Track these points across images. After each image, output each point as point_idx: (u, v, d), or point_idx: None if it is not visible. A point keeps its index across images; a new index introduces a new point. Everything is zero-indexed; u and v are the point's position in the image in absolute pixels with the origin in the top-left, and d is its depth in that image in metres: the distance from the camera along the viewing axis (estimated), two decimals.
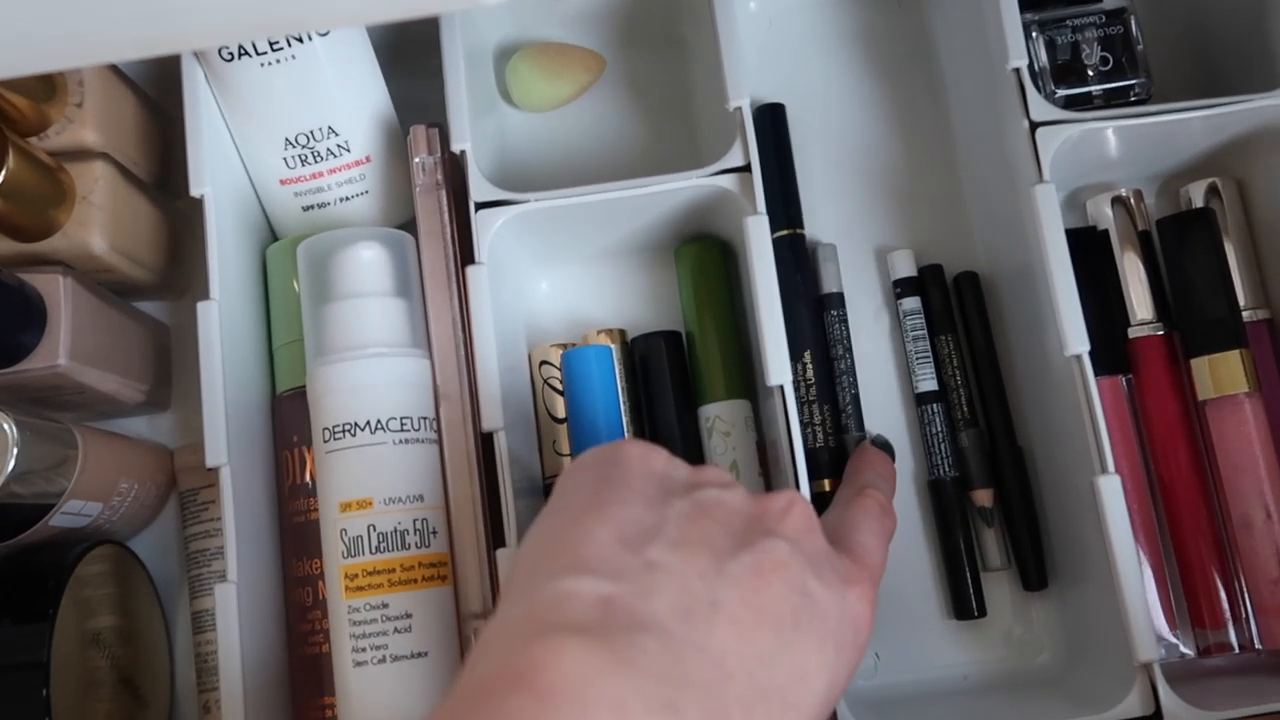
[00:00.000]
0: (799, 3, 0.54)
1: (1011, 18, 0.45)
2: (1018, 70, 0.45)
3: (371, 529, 0.41)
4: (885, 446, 0.46)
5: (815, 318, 0.49)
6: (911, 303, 0.50)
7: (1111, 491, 0.41)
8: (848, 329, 0.49)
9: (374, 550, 0.41)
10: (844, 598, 0.33)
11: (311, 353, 0.44)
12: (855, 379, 0.49)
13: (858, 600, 0.34)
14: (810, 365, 0.48)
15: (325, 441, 0.42)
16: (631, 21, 0.53)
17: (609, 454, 0.34)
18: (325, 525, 0.42)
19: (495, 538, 0.43)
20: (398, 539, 0.41)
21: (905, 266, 0.50)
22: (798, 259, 0.49)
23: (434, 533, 0.42)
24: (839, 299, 0.50)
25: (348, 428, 0.42)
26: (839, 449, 0.48)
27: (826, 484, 0.47)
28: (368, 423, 0.42)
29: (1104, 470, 0.41)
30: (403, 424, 0.42)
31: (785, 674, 0.30)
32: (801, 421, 0.48)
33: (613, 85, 0.53)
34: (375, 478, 0.42)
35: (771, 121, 0.51)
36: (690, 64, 0.53)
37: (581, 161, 0.52)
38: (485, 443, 0.44)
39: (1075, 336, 0.42)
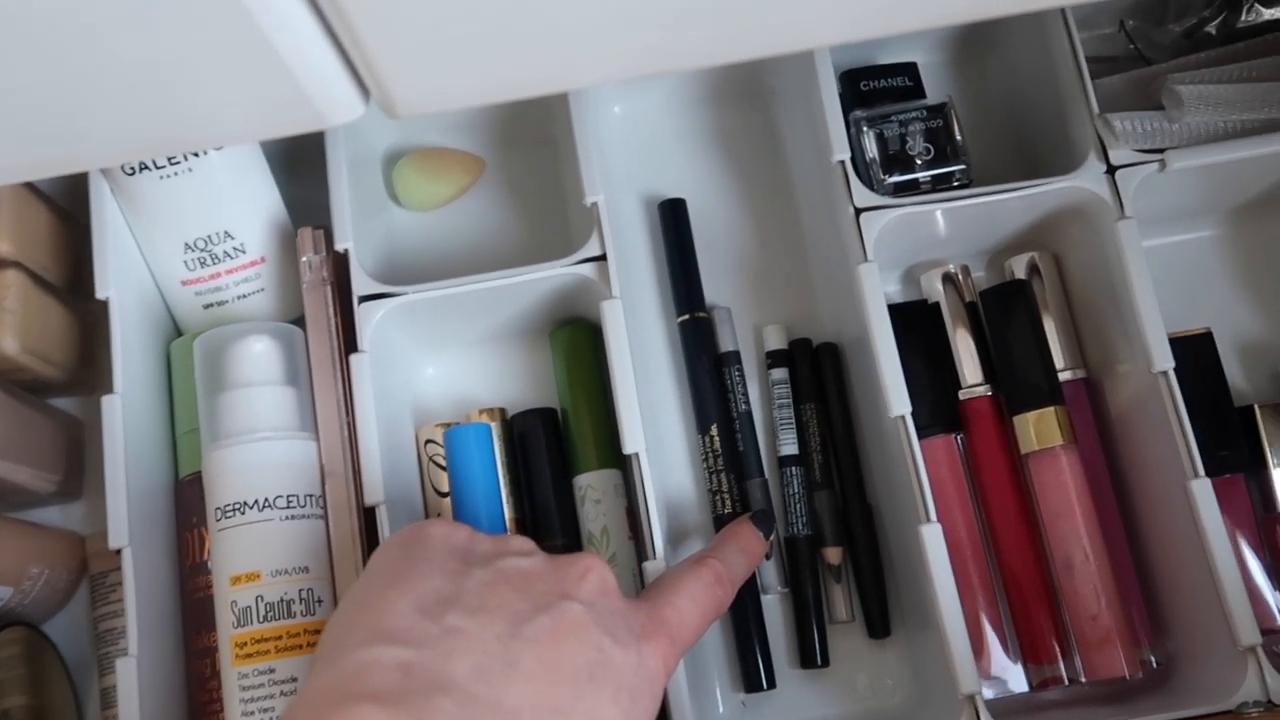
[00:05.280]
0: (660, 105, 0.59)
1: (834, 116, 0.50)
2: (842, 162, 0.50)
3: (259, 599, 0.45)
4: (765, 522, 0.48)
5: (719, 389, 0.53)
6: (780, 373, 0.54)
7: (933, 538, 0.45)
8: (745, 384, 0.54)
9: (262, 619, 0.45)
10: (639, 652, 0.36)
11: (206, 439, 0.48)
12: (754, 428, 0.53)
13: (652, 655, 0.36)
14: (717, 437, 0.52)
15: (218, 520, 0.46)
16: (507, 126, 0.58)
17: (414, 533, 0.38)
18: (218, 598, 0.46)
19: None
20: (284, 608, 0.45)
21: (776, 340, 0.55)
22: (701, 339, 0.54)
23: (319, 601, 0.46)
24: (735, 356, 0.54)
25: (237, 506, 0.45)
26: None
27: None
28: (256, 501, 0.45)
29: (927, 519, 0.45)
30: (289, 501, 0.46)
31: None
32: (710, 490, 0.52)
33: (491, 184, 0.58)
34: (263, 552, 0.45)
35: (673, 215, 0.56)
36: (560, 164, 0.58)
37: (465, 255, 0.57)
38: (369, 516, 0.47)
39: (898, 399, 0.47)
